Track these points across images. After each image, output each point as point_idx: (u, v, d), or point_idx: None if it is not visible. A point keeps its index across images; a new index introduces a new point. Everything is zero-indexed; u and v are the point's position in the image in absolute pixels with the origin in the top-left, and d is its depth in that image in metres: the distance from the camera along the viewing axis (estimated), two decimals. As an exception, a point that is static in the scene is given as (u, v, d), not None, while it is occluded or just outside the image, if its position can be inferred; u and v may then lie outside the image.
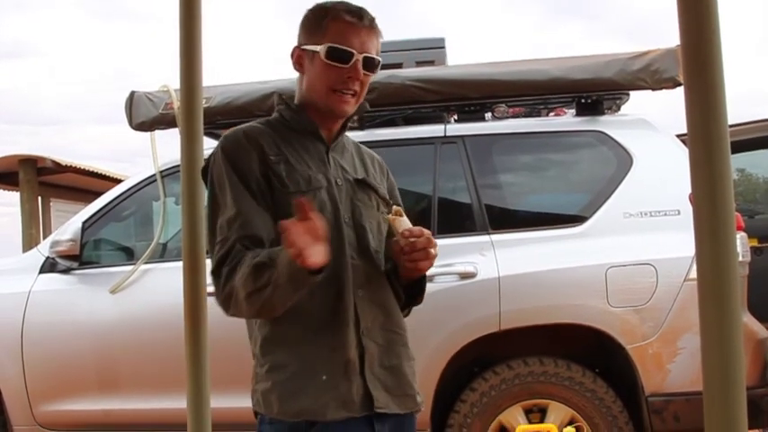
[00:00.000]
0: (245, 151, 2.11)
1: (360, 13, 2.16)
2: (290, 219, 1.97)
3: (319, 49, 2.13)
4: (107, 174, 10.98)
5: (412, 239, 2.07)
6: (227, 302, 2.05)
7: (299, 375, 2.05)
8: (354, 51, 2.12)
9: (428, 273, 2.25)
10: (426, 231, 2.10)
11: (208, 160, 2.18)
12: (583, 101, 4.74)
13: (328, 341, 2.06)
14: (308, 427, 2.03)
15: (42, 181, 10.77)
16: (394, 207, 2.16)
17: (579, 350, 4.45)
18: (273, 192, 2.10)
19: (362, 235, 2.16)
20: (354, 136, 2.50)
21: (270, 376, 2.08)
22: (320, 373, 2.04)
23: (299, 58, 2.21)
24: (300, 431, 2.03)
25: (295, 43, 2.24)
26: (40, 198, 10.96)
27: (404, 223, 2.11)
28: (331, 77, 2.13)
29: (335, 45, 2.12)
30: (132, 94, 4.99)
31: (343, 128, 2.26)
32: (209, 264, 2.16)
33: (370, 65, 2.17)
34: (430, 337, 4.19)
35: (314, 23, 2.18)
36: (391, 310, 2.21)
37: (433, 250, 2.10)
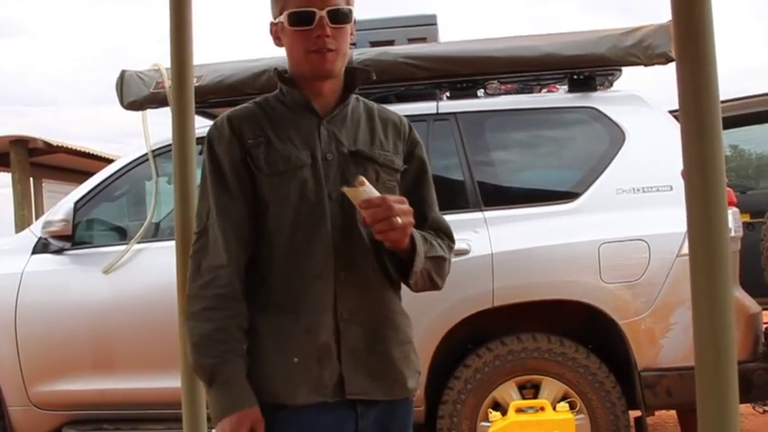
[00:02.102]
0: (225, 140, 2.09)
1: None
2: (269, 203, 2.05)
3: (282, 18, 2.09)
4: (99, 154, 10.97)
5: (371, 210, 1.94)
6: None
7: (273, 356, 2.03)
8: (315, 9, 2.05)
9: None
10: (391, 198, 1.95)
11: (203, 144, 2.17)
12: (575, 77, 4.74)
13: (303, 324, 2.03)
14: (281, 409, 2.01)
15: (34, 162, 10.75)
16: (358, 178, 2.00)
17: (572, 326, 4.47)
18: (253, 176, 2.07)
19: (350, 212, 2.07)
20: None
21: (248, 356, 2.07)
22: (292, 356, 2.02)
23: (275, 33, 2.16)
24: (274, 412, 2.01)
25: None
26: (31, 179, 10.94)
27: (362, 194, 1.96)
28: (301, 42, 2.08)
29: (294, 9, 2.07)
30: (123, 73, 4.96)
31: (344, 97, 2.18)
32: (194, 235, 2.16)
33: (338, 16, 2.08)
34: (423, 315, 4.19)
35: None
36: (380, 292, 2.13)
37: (398, 219, 1.93)
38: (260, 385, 2.02)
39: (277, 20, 2.13)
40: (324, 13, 2.05)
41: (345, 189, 2.00)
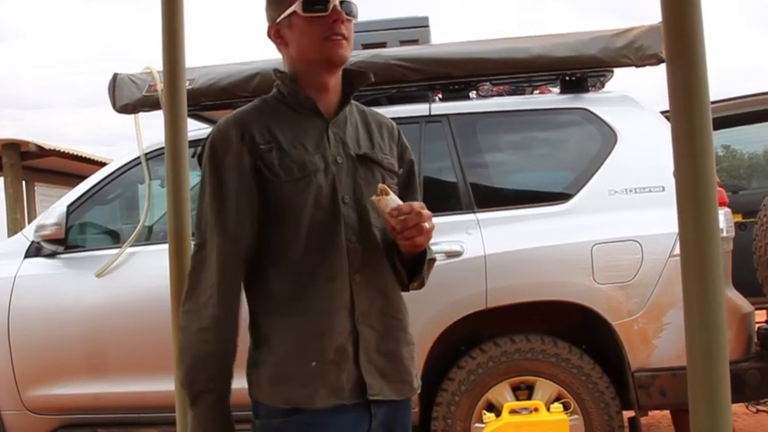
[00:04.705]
0: (233, 148, 2.05)
1: None
2: (283, 209, 2.03)
3: (294, 7, 2.08)
4: (91, 157, 10.97)
5: (401, 217, 1.99)
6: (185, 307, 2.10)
7: (289, 361, 2.03)
8: None
9: None
10: (417, 205, 2.00)
11: (202, 147, 2.14)
12: (567, 78, 4.75)
13: (319, 327, 2.03)
14: (297, 412, 2.01)
15: (26, 165, 10.73)
16: (379, 186, 2.04)
17: (566, 327, 4.47)
18: (265, 182, 2.05)
19: (363, 215, 2.10)
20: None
21: (261, 360, 2.06)
22: (309, 360, 2.02)
23: (276, 33, 2.15)
24: (291, 415, 2.02)
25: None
26: (24, 182, 10.92)
27: (390, 202, 2.01)
28: (316, 28, 2.07)
29: None
30: (115, 76, 4.95)
31: (345, 101, 2.18)
32: (193, 246, 2.15)
33: (350, 6, 2.11)
34: (417, 316, 4.13)
35: None
36: (391, 293, 2.16)
37: (426, 224, 2.01)
38: (276, 390, 2.03)
39: (283, 15, 2.11)
40: (337, 1, 2.08)
41: (375, 198, 2.03)
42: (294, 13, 2.09)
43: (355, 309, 2.06)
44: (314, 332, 2.03)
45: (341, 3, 2.08)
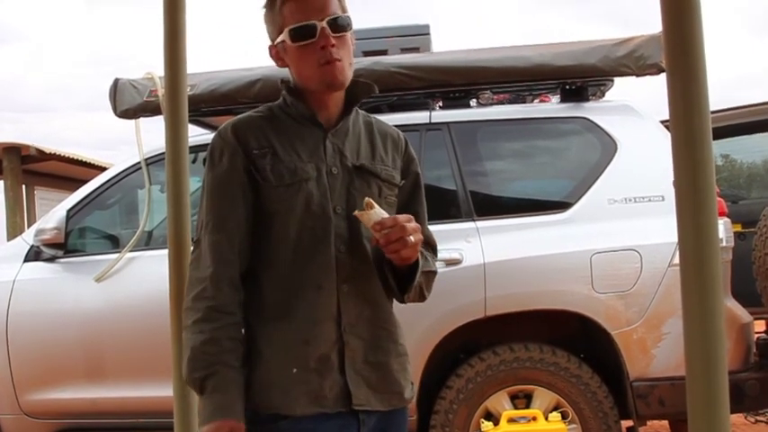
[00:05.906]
0: (229, 148, 2.08)
1: None
2: (273, 215, 2.03)
3: (283, 36, 2.09)
4: (91, 161, 10.97)
5: (384, 231, 1.98)
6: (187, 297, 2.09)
7: (272, 367, 2.03)
8: (315, 22, 2.06)
9: None
10: (402, 218, 2.00)
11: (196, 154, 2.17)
12: (567, 87, 4.75)
13: (304, 335, 2.03)
14: (281, 419, 2.01)
15: (26, 169, 10.73)
16: (365, 200, 2.03)
17: (565, 336, 4.47)
18: (256, 186, 2.07)
19: (355, 226, 2.10)
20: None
21: (249, 364, 2.07)
22: (291, 367, 2.02)
23: (276, 54, 2.17)
24: (275, 422, 2.02)
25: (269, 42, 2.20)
26: (24, 186, 10.92)
27: (374, 216, 2.00)
28: (309, 56, 2.07)
29: (295, 25, 2.07)
30: (116, 81, 4.96)
31: (347, 111, 2.19)
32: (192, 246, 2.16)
33: (340, 25, 2.10)
34: (416, 324, 4.19)
35: (271, 14, 2.14)
36: (380, 304, 2.16)
37: (412, 237, 1.99)
38: (259, 396, 2.02)
39: (277, 41, 2.14)
40: (324, 23, 2.06)
41: (357, 213, 2.02)
42: (284, 41, 2.11)
43: (342, 318, 2.06)
44: (298, 340, 2.03)
45: (330, 21, 2.08)
